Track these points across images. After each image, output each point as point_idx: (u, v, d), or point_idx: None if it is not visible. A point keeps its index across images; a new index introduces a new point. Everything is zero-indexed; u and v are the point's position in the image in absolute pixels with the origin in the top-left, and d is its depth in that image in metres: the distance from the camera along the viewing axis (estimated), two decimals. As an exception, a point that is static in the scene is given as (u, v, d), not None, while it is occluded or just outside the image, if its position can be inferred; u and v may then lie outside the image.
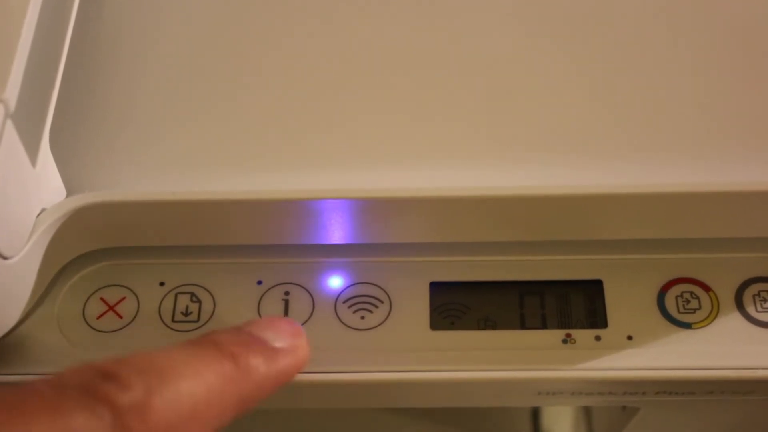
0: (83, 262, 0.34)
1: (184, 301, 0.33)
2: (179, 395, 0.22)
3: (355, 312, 0.33)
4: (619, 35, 0.35)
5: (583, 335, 0.32)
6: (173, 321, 0.33)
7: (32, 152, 0.29)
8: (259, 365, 0.26)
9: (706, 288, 0.33)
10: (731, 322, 0.32)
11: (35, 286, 0.31)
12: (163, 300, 0.33)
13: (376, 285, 0.33)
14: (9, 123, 0.27)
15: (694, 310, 0.33)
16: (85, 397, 0.21)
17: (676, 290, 0.33)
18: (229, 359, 0.25)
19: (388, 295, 0.33)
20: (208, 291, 0.34)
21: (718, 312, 0.33)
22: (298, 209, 0.31)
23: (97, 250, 0.33)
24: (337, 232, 0.33)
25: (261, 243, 0.33)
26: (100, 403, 0.21)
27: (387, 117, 0.33)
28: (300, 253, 0.34)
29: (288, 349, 0.27)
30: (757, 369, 0.31)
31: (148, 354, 0.23)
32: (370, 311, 0.33)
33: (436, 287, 0.33)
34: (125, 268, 0.34)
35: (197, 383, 0.23)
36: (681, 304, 0.33)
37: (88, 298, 0.33)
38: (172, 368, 0.23)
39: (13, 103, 0.27)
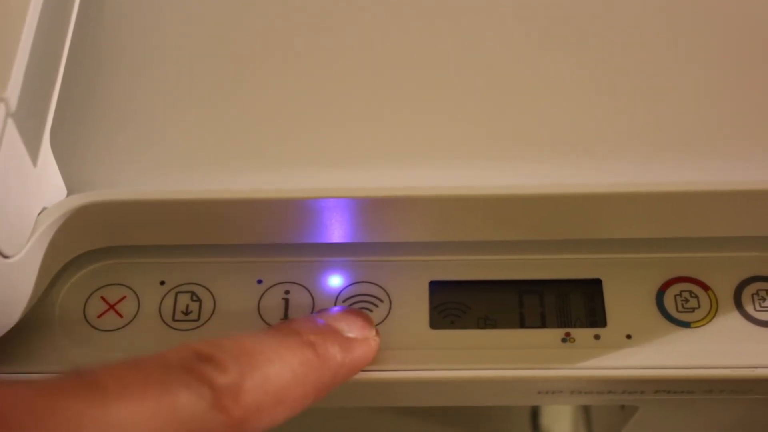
0: (84, 260, 0.34)
1: (184, 300, 0.33)
2: (268, 379, 0.24)
3: (355, 311, 0.33)
4: (619, 34, 0.35)
5: (582, 334, 0.32)
6: (173, 320, 0.33)
7: (33, 151, 0.29)
8: (336, 354, 0.27)
9: (705, 287, 0.33)
10: (730, 321, 0.32)
11: (36, 284, 0.31)
12: (163, 299, 0.33)
13: (375, 284, 0.34)
14: (10, 122, 0.27)
15: (693, 309, 0.33)
16: (187, 376, 0.22)
17: (675, 289, 0.33)
18: (310, 347, 0.26)
19: (387, 294, 0.33)
20: (208, 290, 0.34)
21: (716, 311, 0.33)
22: (298, 208, 0.31)
23: (97, 249, 0.33)
24: (336, 231, 0.33)
25: (261, 242, 0.33)
26: (202, 383, 0.22)
27: (387, 116, 0.33)
28: (300, 252, 0.34)
29: (361, 339, 0.29)
30: (755, 368, 0.31)
31: (239, 338, 0.25)
32: (370, 310, 0.33)
33: (435, 286, 0.33)
34: (126, 267, 0.34)
35: (283, 368, 0.25)
36: (680, 303, 0.33)
37: (89, 297, 0.33)
38: (261, 353, 0.24)
39: (14, 103, 0.27)
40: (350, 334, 0.29)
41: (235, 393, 0.23)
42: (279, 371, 0.25)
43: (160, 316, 0.33)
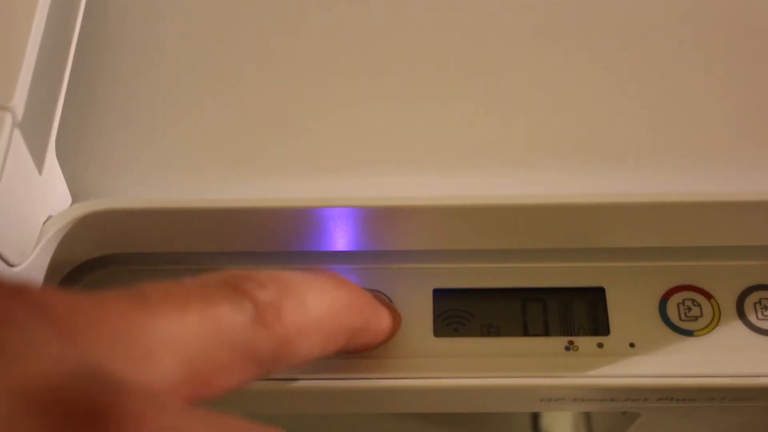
0: (89, 268, 0.34)
1: (188, 308, 0.33)
2: (307, 303, 0.25)
3: (359, 319, 0.33)
4: (625, 41, 0.35)
5: (585, 342, 0.33)
6: (177, 327, 0.33)
7: (39, 160, 0.29)
8: (366, 305, 0.28)
9: (708, 295, 0.33)
10: (732, 330, 0.33)
11: (41, 292, 0.31)
12: (167, 306, 0.33)
13: (380, 292, 0.34)
14: (16, 131, 0.27)
15: (696, 318, 0.33)
16: (230, 290, 0.23)
17: (677, 298, 0.33)
18: (346, 289, 0.27)
19: (391, 302, 0.33)
20: (212, 297, 0.34)
21: (719, 319, 0.33)
22: (303, 217, 0.31)
23: (102, 256, 0.33)
24: (341, 240, 0.33)
25: (266, 250, 0.33)
26: (243, 297, 0.23)
27: (392, 124, 0.33)
28: (304, 260, 0.34)
29: (390, 313, 0.31)
30: (758, 376, 0.31)
31: (278, 270, 0.25)
32: (374, 318, 0.33)
33: (439, 294, 0.34)
34: (131, 275, 0.34)
35: (321, 298, 0.26)
36: (683, 311, 0.33)
37: (93, 304, 0.33)
38: (301, 282, 0.25)
39: (20, 112, 0.27)
40: (382, 306, 0.30)
41: (276, 309, 0.23)
42: (316, 301, 0.25)
43: (165, 323, 0.33)
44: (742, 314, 0.33)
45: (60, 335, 0.18)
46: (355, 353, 0.31)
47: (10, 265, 0.28)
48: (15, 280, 0.20)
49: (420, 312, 0.33)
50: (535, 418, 0.56)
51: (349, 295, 0.27)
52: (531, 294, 0.34)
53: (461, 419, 0.56)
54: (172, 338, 0.21)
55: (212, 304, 0.22)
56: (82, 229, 0.31)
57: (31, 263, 0.29)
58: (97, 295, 0.20)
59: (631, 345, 0.32)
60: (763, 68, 0.34)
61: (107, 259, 0.34)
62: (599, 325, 0.33)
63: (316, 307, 0.25)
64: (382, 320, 0.30)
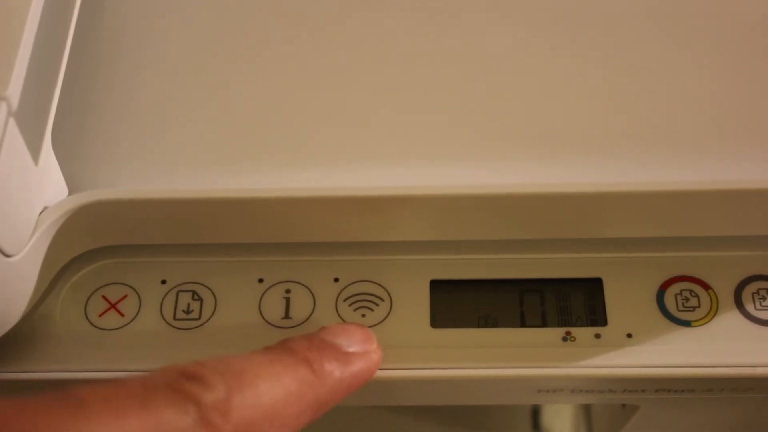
0: (85, 259, 0.34)
1: (185, 299, 0.33)
2: (258, 396, 0.24)
3: (356, 310, 0.33)
4: (620, 34, 0.35)
5: (583, 333, 0.32)
6: (175, 319, 0.33)
7: (35, 150, 0.29)
8: (334, 370, 0.27)
9: (706, 286, 0.33)
10: (730, 320, 0.33)
11: (37, 283, 0.31)
12: (164, 298, 0.33)
13: (376, 283, 0.34)
14: (11, 121, 0.27)
15: (694, 308, 0.33)
16: (172, 394, 0.22)
17: (675, 288, 0.33)
18: (305, 364, 0.26)
19: (388, 293, 0.33)
20: (209, 289, 0.34)
21: (717, 310, 0.33)
22: (299, 207, 0.31)
23: (99, 247, 0.33)
24: (337, 230, 0.33)
25: (262, 241, 0.33)
26: (186, 400, 0.22)
27: (387, 115, 0.33)
28: (301, 251, 0.34)
29: (360, 353, 0.29)
30: (756, 366, 0.31)
31: (227, 358, 0.24)
32: (371, 309, 0.33)
33: (436, 285, 0.33)
34: (127, 266, 0.34)
35: (275, 385, 0.24)
36: (680, 302, 0.33)
37: (90, 296, 0.34)
38: (251, 371, 0.24)
39: (15, 102, 0.27)
40: (350, 349, 0.29)
41: (223, 409, 0.22)
42: (270, 388, 0.24)
43: (162, 315, 0.33)
44: (740, 304, 0.33)
45: None
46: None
47: (6, 256, 0.28)
48: None
49: (417, 303, 0.33)
50: (535, 413, 0.56)
51: (311, 369, 0.26)
52: (528, 285, 0.34)
53: (461, 414, 0.56)
54: None
55: (152, 409, 0.21)
56: (78, 220, 0.31)
57: (27, 254, 0.29)
58: (27, 401, 0.20)
59: (629, 335, 0.32)
60: (758, 62, 0.34)
61: (104, 250, 0.34)
62: (597, 316, 0.33)
63: (271, 394, 0.24)
64: (357, 371, 0.28)
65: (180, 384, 0.22)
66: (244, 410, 0.23)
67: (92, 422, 0.20)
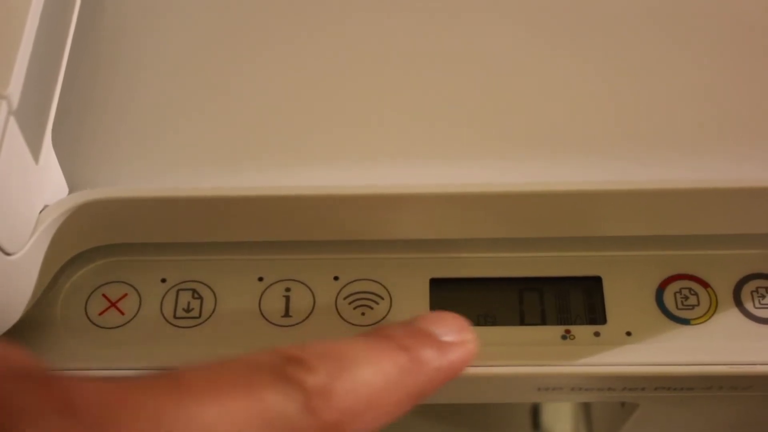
0: (85, 258, 0.34)
1: (185, 298, 0.33)
2: (358, 382, 0.23)
3: (355, 308, 0.33)
4: (620, 33, 0.35)
5: (582, 331, 0.33)
6: (175, 317, 0.33)
7: (35, 149, 0.29)
8: (432, 358, 0.26)
9: (705, 284, 0.33)
10: (729, 318, 0.33)
11: (38, 282, 0.31)
12: (164, 296, 0.34)
13: (376, 281, 0.34)
14: (12, 120, 0.27)
15: (693, 307, 0.33)
16: (276, 377, 0.21)
17: (674, 286, 0.33)
18: (404, 351, 0.25)
19: (388, 291, 0.33)
20: (209, 287, 0.34)
21: (716, 308, 0.33)
22: (299, 206, 0.31)
23: (99, 246, 0.33)
24: (337, 229, 0.33)
25: (262, 240, 0.33)
26: (291, 384, 0.21)
27: (387, 114, 0.33)
28: (300, 249, 0.34)
29: (457, 343, 0.27)
30: (755, 364, 0.31)
31: (327, 342, 0.24)
32: (371, 307, 0.33)
33: (436, 283, 0.34)
34: (127, 265, 0.34)
35: (375, 372, 0.24)
36: (679, 300, 0.33)
37: (90, 295, 0.34)
38: (351, 356, 0.24)
39: (16, 100, 0.27)
40: (446, 338, 0.27)
41: (326, 395, 0.22)
42: (370, 375, 0.24)
43: (162, 313, 0.33)
44: (739, 303, 0.33)
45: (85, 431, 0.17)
46: None
47: (7, 254, 0.28)
48: (42, 371, 0.19)
49: (417, 301, 0.33)
50: (535, 412, 0.56)
51: (409, 356, 0.25)
52: (528, 283, 0.34)
53: (461, 413, 0.56)
54: (210, 428, 0.19)
55: (257, 393, 0.21)
56: (78, 218, 0.31)
57: (27, 252, 0.29)
58: (130, 384, 0.19)
59: (628, 334, 0.32)
60: (758, 61, 0.34)
61: (105, 249, 0.34)
62: (596, 314, 0.33)
63: (371, 382, 0.23)
64: (454, 361, 0.27)
65: (283, 367, 0.22)
66: (346, 397, 0.22)
67: (198, 405, 0.19)
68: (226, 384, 0.20)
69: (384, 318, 0.33)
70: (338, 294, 0.33)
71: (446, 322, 0.28)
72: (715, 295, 0.33)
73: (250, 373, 0.21)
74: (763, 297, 0.33)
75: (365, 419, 0.23)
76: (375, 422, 0.23)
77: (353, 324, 0.33)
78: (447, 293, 0.33)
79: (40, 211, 0.30)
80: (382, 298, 0.33)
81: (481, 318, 0.33)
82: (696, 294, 0.33)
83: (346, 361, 0.23)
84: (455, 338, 0.28)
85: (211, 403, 0.19)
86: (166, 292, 0.34)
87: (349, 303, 0.33)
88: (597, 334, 0.32)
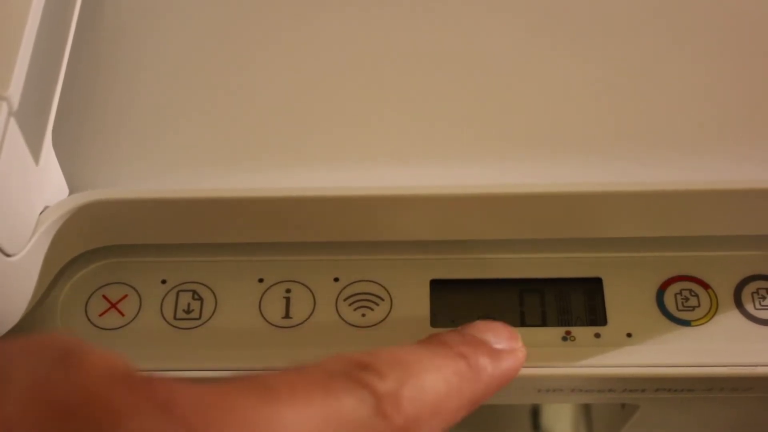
0: (85, 259, 0.34)
1: (185, 299, 0.33)
2: (424, 388, 0.24)
3: (356, 309, 0.33)
4: (620, 33, 0.35)
5: (582, 332, 0.33)
6: (175, 318, 0.33)
7: (35, 150, 0.29)
8: (487, 365, 0.27)
9: (705, 286, 0.33)
10: (730, 320, 0.33)
11: (38, 283, 0.31)
12: (165, 298, 0.33)
13: (377, 282, 0.34)
14: (12, 121, 0.27)
15: (693, 308, 0.33)
16: (350, 382, 0.22)
17: (675, 288, 0.33)
18: (462, 358, 0.26)
19: (389, 293, 0.33)
20: (209, 289, 0.34)
21: (717, 309, 0.33)
22: (299, 207, 0.31)
23: (99, 247, 0.33)
24: (337, 230, 0.33)
25: (262, 241, 0.33)
26: (363, 389, 0.22)
27: (387, 115, 0.33)
28: (301, 250, 0.34)
29: (509, 350, 0.28)
30: (755, 366, 0.31)
31: (393, 349, 0.25)
32: (371, 308, 0.33)
33: (436, 284, 0.34)
34: (127, 266, 0.34)
35: (439, 378, 0.24)
36: (680, 301, 0.33)
37: (91, 296, 0.34)
38: (416, 363, 0.24)
39: (16, 101, 0.27)
40: (498, 345, 0.28)
41: (395, 400, 0.23)
42: (434, 381, 0.24)
43: (162, 314, 0.33)
44: (739, 304, 0.33)
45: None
46: None
47: (7, 255, 0.28)
48: (143, 374, 0.19)
49: (417, 302, 0.33)
50: (535, 413, 0.56)
51: (467, 363, 0.26)
52: (528, 284, 0.34)
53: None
54: (294, 428, 0.20)
55: (334, 397, 0.21)
56: (78, 219, 0.31)
57: (28, 253, 0.29)
58: (222, 387, 0.20)
59: (629, 335, 0.32)
60: (758, 62, 0.34)
61: (105, 250, 0.34)
62: (596, 316, 0.33)
63: (435, 388, 0.24)
64: (506, 368, 0.28)
65: (356, 372, 0.22)
66: (413, 403, 0.23)
67: (282, 408, 0.20)
68: (306, 388, 0.21)
69: (384, 319, 0.33)
70: (338, 295, 0.33)
71: (497, 330, 0.29)
72: (716, 297, 0.33)
73: (327, 378, 0.22)
74: (764, 298, 0.33)
75: (429, 425, 0.24)
76: (437, 428, 0.24)
77: (354, 325, 0.33)
78: (447, 294, 0.33)
79: (41, 213, 0.30)
80: (383, 300, 0.33)
81: (481, 319, 0.33)
82: (696, 295, 0.33)
83: (412, 367, 0.24)
84: (506, 346, 0.28)
85: (296, 406, 0.20)
86: (167, 294, 0.34)
87: (350, 304, 0.33)
88: (597, 335, 0.32)
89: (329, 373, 0.22)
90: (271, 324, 0.33)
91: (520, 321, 0.33)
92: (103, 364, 0.20)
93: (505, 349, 0.28)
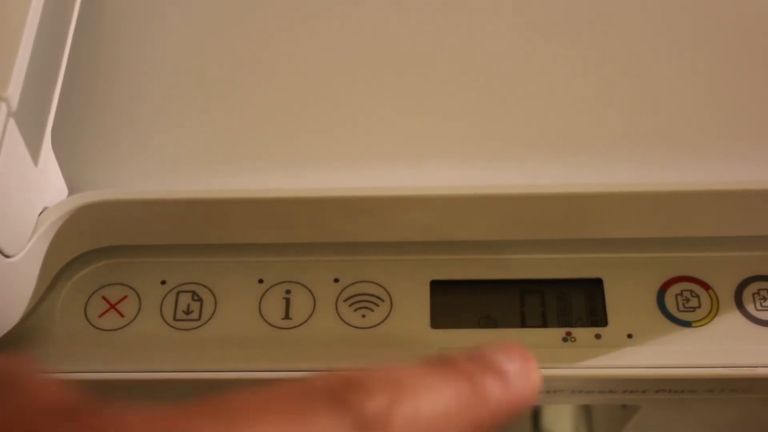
0: (85, 260, 0.34)
1: (185, 300, 0.33)
2: (419, 408, 0.22)
3: (356, 310, 0.33)
4: (621, 34, 0.35)
5: (583, 333, 0.32)
6: (175, 319, 0.33)
7: (34, 151, 0.29)
8: (494, 387, 0.25)
9: (706, 286, 0.33)
10: (731, 321, 0.32)
11: (37, 284, 0.31)
12: (164, 298, 0.33)
13: (377, 283, 0.34)
14: (11, 122, 0.27)
15: (694, 309, 0.33)
16: (332, 401, 0.21)
17: (675, 289, 0.33)
18: (465, 378, 0.24)
19: (389, 294, 0.33)
20: (209, 289, 0.34)
21: (717, 310, 0.33)
22: (299, 208, 0.31)
23: (98, 248, 0.33)
24: (337, 231, 0.33)
25: (262, 242, 0.33)
26: (347, 409, 0.21)
27: (387, 116, 0.33)
28: (301, 251, 0.34)
29: (520, 372, 0.26)
30: (756, 367, 0.31)
31: (388, 368, 0.23)
32: (371, 309, 0.33)
33: (436, 285, 0.33)
34: (127, 267, 0.34)
35: (436, 398, 0.23)
36: (681, 302, 0.33)
37: (90, 297, 0.33)
38: (411, 381, 0.23)
39: (15, 102, 0.27)
40: (509, 366, 0.26)
41: (385, 422, 0.21)
42: (430, 401, 0.23)
43: (162, 315, 0.33)
44: (740, 305, 0.33)
45: None
46: None
47: (6, 256, 0.28)
48: (78, 399, 0.18)
49: (417, 303, 0.33)
50: (536, 414, 0.56)
51: (471, 384, 0.24)
52: (529, 285, 0.34)
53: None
54: None
55: (307, 418, 0.20)
56: (78, 220, 0.31)
57: (27, 254, 0.29)
58: (173, 412, 0.19)
59: (629, 336, 0.32)
60: (758, 62, 0.34)
61: (104, 251, 0.34)
62: (597, 317, 0.33)
63: (431, 409, 0.22)
64: (518, 393, 0.26)
65: (341, 391, 0.21)
66: (404, 423, 0.22)
67: (239, 429, 0.19)
68: (276, 410, 0.20)
69: (384, 320, 0.33)
70: (339, 296, 0.33)
71: (509, 351, 0.27)
72: (717, 298, 0.33)
73: (304, 397, 0.21)
74: (765, 299, 0.33)
75: None
76: None
77: (354, 326, 0.33)
78: (448, 295, 0.33)
79: (40, 213, 0.30)
80: (383, 300, 0.33)
81: (482, 320, 0.33)
82: (697, 296, 0.33)
83: (406, 385, 0.22)
84: (518, 368, 0.26)
85: (255, 428, 0.19)
86: (166, 294, 0.34)
87: (350, 305, 0.33)
88: (598, 336, 0.32)
89: (308, 391, 0.21)
90: (271, 325, 0.33)
91: (521, 322, 0.33)
92: (44, 394, 0.18)
93: (517, 371, 0.26)
